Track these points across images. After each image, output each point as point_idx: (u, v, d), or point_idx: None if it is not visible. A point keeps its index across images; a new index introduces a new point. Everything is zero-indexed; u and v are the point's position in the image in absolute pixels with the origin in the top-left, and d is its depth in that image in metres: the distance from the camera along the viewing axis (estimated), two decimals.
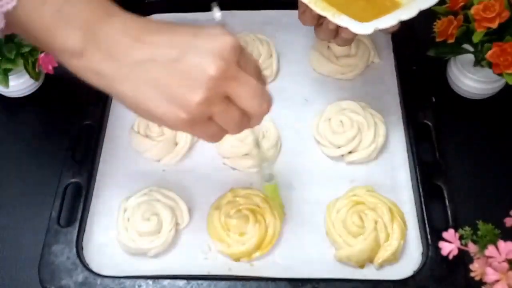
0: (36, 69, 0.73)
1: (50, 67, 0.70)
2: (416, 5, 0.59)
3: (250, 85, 0.44)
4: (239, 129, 0.47)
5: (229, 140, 0.69)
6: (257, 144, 0.60)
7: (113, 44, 0.43)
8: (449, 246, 0.48)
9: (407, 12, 0.58)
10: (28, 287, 0.62)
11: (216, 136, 0.48)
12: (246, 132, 0.68)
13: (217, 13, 0.48)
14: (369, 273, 0.61)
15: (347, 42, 0.65)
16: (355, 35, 0.61)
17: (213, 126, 0.46)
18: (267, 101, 0.46)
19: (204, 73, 0.42)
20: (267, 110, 0.46)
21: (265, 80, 0.48)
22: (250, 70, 0.45)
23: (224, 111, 0.44)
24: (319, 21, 0.63)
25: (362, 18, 0.59)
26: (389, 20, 0.58)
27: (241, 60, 0.44)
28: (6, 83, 0.71)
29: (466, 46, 0.70)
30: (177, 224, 0.64)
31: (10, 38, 0.69)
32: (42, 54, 0.70)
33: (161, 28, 0.45)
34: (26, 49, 0.70)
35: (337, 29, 0.62)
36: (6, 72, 0.71)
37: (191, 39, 0.43)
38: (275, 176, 0.63)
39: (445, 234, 0.49)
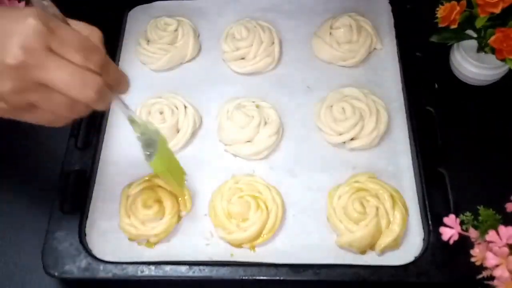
0: None
1: None
2: None
3: (64, 71, 0.40)
4: (74, 113, 0.43)
5: (230, 127, 0.69)
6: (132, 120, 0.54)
7: None
8: (449, 231, 0.48)
9: None
10: (31, 273, 0.63)
11: (55, 121, 0.44)
12: (247, 119, 0.69)
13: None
14: (370, 259, 0.61)
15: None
16: None
17: (43, 112, 0.43)
18: (90, 85, 0.41)
19: (3, 64, 0.39)
20: (92, 96, 0.41)
21: (98, 59, 0.42)
22: (69, 52, 0.40)
23: (44, 98, 0.41)
24: None
25: None
26: None
27: (53, 43, 0.40)
28: None
29: (469, 32, 0.70)
30: (179, 210, 0.65)
31: None
32: None
33: None
34: None
35: None
36: None
37: None
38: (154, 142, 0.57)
39: (446, 220, 0.49)
